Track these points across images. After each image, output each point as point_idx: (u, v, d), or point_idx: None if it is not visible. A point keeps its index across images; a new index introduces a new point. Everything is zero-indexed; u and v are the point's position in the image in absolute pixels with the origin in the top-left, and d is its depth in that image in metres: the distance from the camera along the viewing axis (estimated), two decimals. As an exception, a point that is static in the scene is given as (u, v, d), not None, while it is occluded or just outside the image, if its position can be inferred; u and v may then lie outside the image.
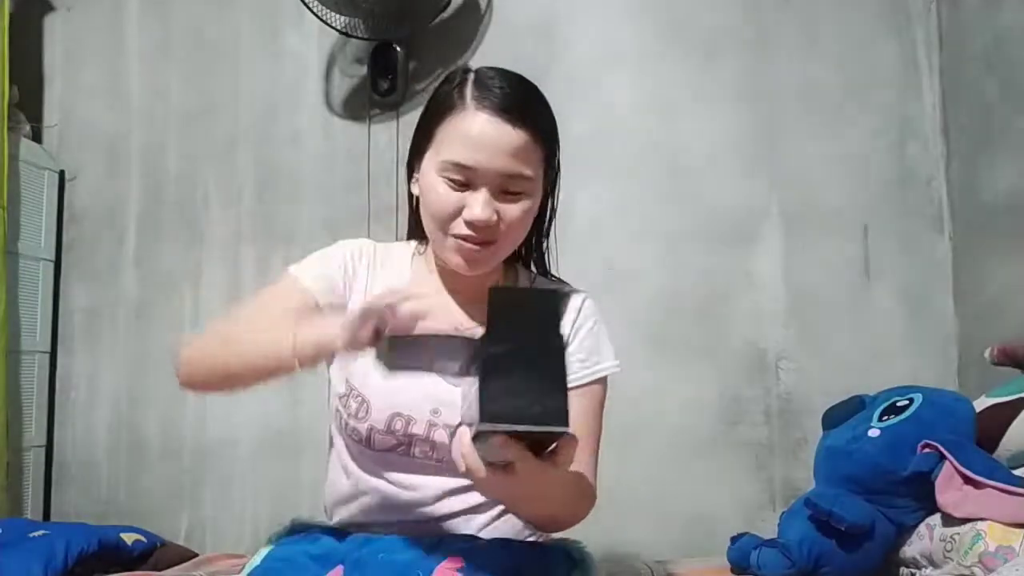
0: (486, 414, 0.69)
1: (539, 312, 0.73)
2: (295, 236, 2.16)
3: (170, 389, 2.15)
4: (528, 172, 0.98)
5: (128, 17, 2.31)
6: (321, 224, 2.15)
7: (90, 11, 2.33)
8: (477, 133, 0.96)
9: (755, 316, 1.98)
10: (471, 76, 1.00)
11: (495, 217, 0.97)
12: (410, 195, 1.10)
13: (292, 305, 1.00)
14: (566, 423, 0.70)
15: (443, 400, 1.01)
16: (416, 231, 1.13)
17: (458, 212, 0.97)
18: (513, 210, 0.99)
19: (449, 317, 1.06)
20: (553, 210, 1.11)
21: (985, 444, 1.31)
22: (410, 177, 1.07)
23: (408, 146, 1.07)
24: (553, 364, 0.71)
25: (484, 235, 0.98)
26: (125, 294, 2.22)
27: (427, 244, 1.11)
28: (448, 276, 1.09)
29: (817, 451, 1.50)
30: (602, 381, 1.07)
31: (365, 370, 1.02)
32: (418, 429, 1.02)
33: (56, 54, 2.34)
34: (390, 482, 1.05)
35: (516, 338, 0.72)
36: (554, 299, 0.73)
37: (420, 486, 1.04)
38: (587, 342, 1.07)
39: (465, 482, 1.02)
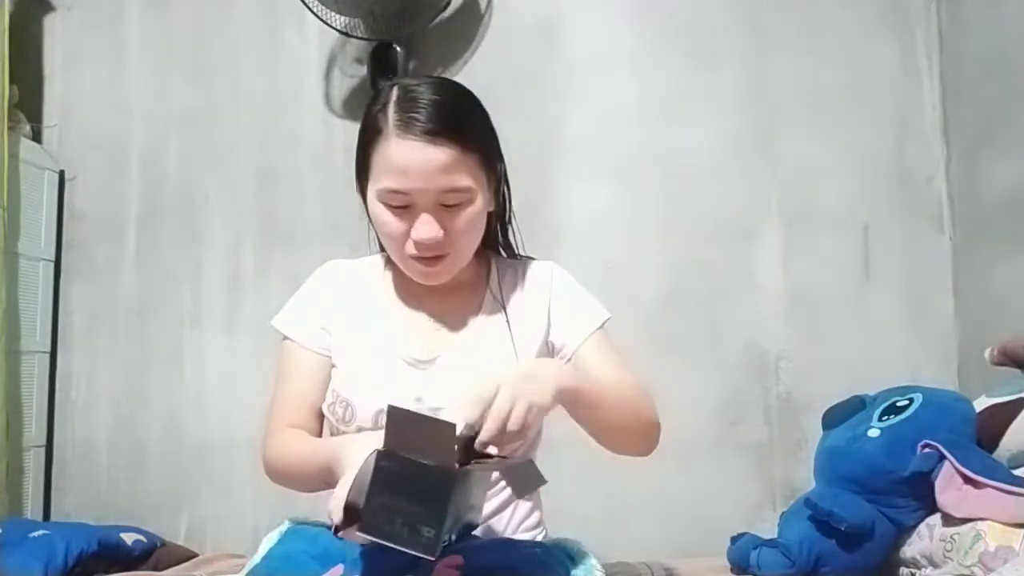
0: (364, 524, 0.75)
1: (434, 439, 0.75)
2: (295, 236, 2.16)
3: (170, 389, 2.17)
4: (463, 183, 1.00)
5: (128, 17, 2.31)
6: (321, 224, 2.15)
7: (90, 11, 2.33)
8: (403, 161, 0.98)
9: (755, 316, 1.98)
10: (393, 95, 1.01)
11: (441, 233, 1.00)
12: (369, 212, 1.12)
13: (311, 383, 1.10)
14: (433, 553, 0.74)
15: (423, 387, 1.05)
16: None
17: (406, 235, 1.02)
18: (458, 220, 1.02)
19: (421, 314, 1.12)
20: (508, 198, 1.15)
21: (985, 444, 1.31)
22: (363, 194, 1.09)
23: None
24: (434, 495, 0.74)
25: (435, 251, 1.02)
26: (125, 294, 2.22)
27: None
28: (417, 282, 1.14)
29: (817, 451, 1.50)
30: (601, 327, 1.13)
31: (347, 377, 1.08)
32: None
33: (56, 54, 2.34)
34: None
35: (406, 461, 0.75)
36: (450, 429, 0.76)
37: None
38: (572, 305, 1.13)
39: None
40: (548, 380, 0.90)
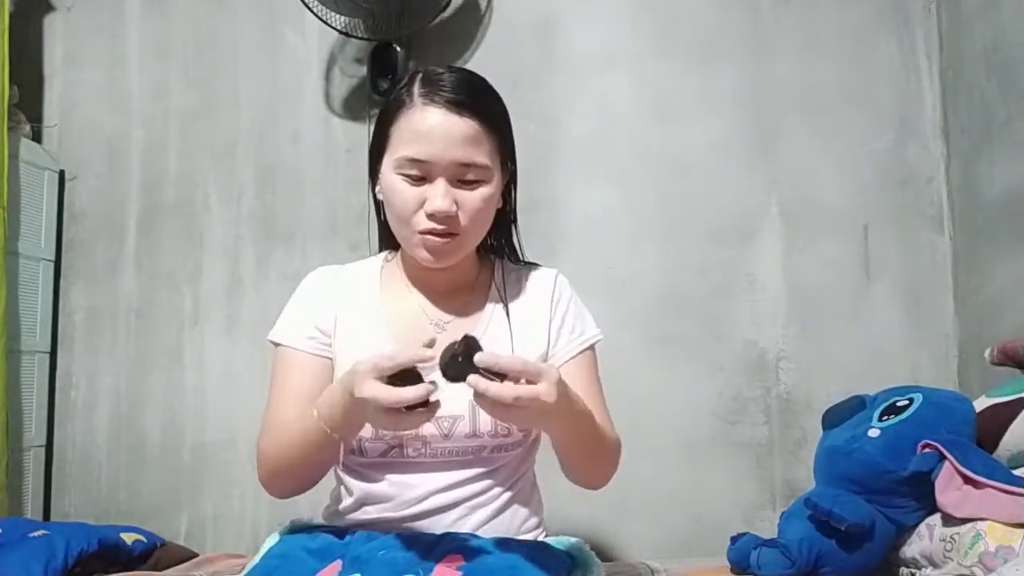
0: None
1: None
2: (295, 236, 2.16)
3: (170, 389, 2.17)
4: (481, 160, 1.01)
5: (128, 17, 2.31)
6: (321, 224, 2.15)
7: (90, 11, 2.33)
8: (427, 127, 0.99)
9: (755, 316, 1.98)
10: (418, 75, 1.03)
11: (455, 208, 1.00)
12: (377, 205, 1.12)
13: (311, 381, 1.06)
14: None
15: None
16: (386, 240, 1.17)
17: (419, 207, 1.01)
18: (472, 199, 1.02)
19: (422, 317, 1.10)
20: (515, 201, 1.15)
21: (985, 444, 1.31)
22: (374, 185, 1.10)
23: None
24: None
25: (447, 226, 1.01)
26: (125, 294, 2.22)
27: (396, 253, 1.16)
28: (418, 277, 1.13)
29: (817, 451, 1.50)
30: (592, 347, 1.14)
31: None
32: None
33: (56, 54, 2.34)
34: (389, 483, 1.05)
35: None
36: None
37: (418, 483, 1.05)
38: (570, 316, 1.13)
39: (464, 475, 1.06)
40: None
